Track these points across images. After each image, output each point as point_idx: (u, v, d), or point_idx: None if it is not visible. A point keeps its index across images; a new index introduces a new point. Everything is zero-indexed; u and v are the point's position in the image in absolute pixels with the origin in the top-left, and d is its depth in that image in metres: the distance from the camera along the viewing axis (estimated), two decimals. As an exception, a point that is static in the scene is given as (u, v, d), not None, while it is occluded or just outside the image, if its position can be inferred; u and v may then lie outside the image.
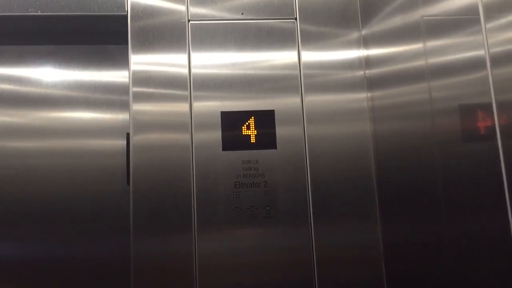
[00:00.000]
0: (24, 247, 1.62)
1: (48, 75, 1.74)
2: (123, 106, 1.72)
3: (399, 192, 1.45)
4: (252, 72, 1.64)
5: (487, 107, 0.97)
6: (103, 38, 1.77)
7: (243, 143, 1.58)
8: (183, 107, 1.58)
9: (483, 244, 1.02)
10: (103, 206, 1.64)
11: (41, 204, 1.62)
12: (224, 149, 1.57)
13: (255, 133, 1.59)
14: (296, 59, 1.66)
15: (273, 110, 1.61)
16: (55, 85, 1.73)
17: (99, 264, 1.62)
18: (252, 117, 1.60)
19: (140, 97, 1.58)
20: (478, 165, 1.02)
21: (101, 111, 1.73)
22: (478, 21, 1.00)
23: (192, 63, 1.62)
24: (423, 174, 1.28)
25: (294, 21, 1.68)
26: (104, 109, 1.74)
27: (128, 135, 1.56)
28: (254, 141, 1.58)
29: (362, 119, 1.63)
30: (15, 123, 1.69)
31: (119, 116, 1.73)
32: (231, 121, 1.59)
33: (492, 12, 0.97)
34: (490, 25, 0.97)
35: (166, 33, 1.63)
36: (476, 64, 1.01)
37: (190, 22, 1.66)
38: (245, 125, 1.59)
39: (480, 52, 0.99)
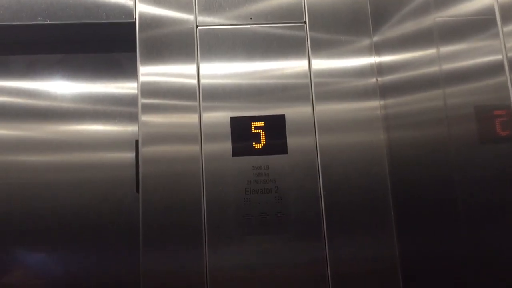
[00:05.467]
0: (32, 260, 1.60)
1: (56, 86, 1.73)
2: (132, 117, 1.71)
3: (415, 201, 1.41)
4: (262, 81, 1.62)
5: (506, 113, 0.94)
6: (111, 46, 1.77)
7: (253, 149, 1.55)
8: (193, 118, 1.56)
9: (508, 253, 0.97)
10: (111, 219, 1.61)
11: (49, 217, 1.60)
12: (234, 154, 1.55)
13: (266, 138, 1.56)
14: (306, 67, 1.63)
15: (283, 115, 1.58)
16: (63, 96, 1.72)
17: (107, 276, 1.59)
18: (262, 122, 1.57)
19: (149, 109, 1.56)
20: (497, 172, 0.98)
21: (109, 123, 1.72)
22: (494, 24, 0.97)
23: (201, 73, 1.61)
24: (440, 183, 1.23)
25: (304, 25, 1.66)
26: (112, 120, 1.72)
27: (137, 142, 1.54)
28: (264, 146, 1.55)
29: (375, 128, 1.59)
30: (22, 137, 1.68)
31: (128, 128, 1.71)
32: (241, 126, 1.57)
33: (509, 13, 0.94)
34: (508, 28, 0.94)
35: (174, 41, 1.62)
36: (493, 69, 0.98)
37: (199, 28, 1.64)
38: (255, 130, 1.57)
39: (498, 57, 0.96)
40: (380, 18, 1.62)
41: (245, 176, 1.54)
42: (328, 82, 1.63)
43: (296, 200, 1.53)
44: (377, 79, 1.63)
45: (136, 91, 1.59)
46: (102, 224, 1.62)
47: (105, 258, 1.60)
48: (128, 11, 1.61)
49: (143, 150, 1.52)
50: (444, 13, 1.18)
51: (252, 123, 1.57)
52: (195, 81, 1.60)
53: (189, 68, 1.61)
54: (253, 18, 1.66)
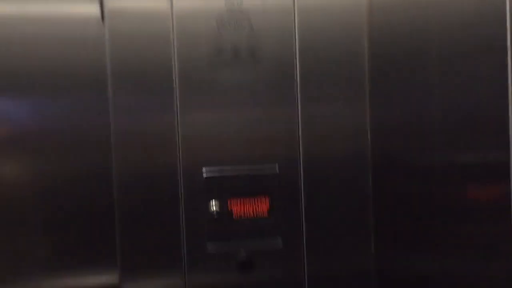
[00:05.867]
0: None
1: None
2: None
3: (392, 64, 1.39)
4: None
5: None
6: None
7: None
8: None
9: (481, 116, 1.00)
10: (75, 75, 1.52)
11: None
12: None
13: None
14: None
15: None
16: None
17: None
18: None
19: None
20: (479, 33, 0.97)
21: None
22: None
23: None
24: (418, 46, 1.23)
25: None
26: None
27: None
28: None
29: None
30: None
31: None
32: None
33: None
34: None
35: None
36: None
37: None
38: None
39: None
40: None
41: (216, 8, 1.44)
42: None
43: (270, 37, 1.46)
44: None
45: None
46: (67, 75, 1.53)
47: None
48: None
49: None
50: None
51: None
52: None
53: None
54: None
